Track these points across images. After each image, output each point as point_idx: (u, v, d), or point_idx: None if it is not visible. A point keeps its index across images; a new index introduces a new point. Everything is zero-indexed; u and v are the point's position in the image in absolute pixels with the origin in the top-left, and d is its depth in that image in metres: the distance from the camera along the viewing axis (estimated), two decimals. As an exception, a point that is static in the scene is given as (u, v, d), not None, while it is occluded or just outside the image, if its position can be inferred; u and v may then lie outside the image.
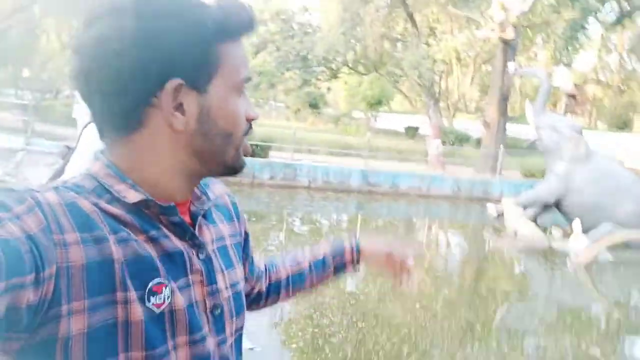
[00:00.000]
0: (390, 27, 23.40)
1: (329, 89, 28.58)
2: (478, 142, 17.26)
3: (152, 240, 0.64)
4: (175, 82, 0.61)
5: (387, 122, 24.78)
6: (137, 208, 0.64)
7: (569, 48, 22.74)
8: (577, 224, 7.68)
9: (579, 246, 7.39)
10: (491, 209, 9.46)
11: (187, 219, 0.70)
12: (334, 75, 26.09)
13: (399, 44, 24.26)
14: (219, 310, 0.70)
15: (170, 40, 0.60)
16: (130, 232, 0.62)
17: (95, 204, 0.61)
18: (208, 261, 0.70)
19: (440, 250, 8.18)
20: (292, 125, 17.21)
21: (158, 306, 0.62)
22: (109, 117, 0.64)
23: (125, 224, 0.62)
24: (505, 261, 7.57)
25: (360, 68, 25.09)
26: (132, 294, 0.60)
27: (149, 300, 0.61)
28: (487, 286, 6.38)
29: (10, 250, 0.50)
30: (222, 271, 0.73)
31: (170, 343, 0.63)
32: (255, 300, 0.96)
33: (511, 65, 11.80)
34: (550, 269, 7.30)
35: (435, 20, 23.85)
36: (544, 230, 8.50)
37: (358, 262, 1.00)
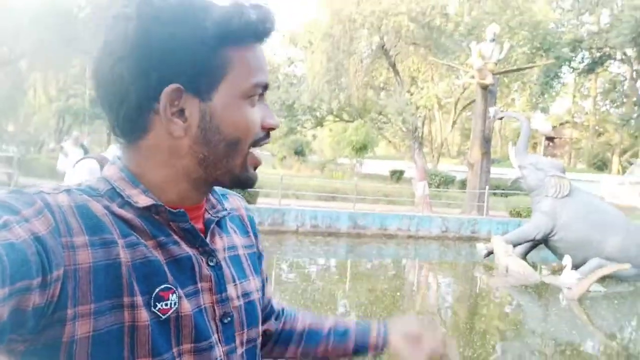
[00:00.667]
0: (373, 76, 24.24)
1: (314, 136, 29.07)
2: (463, 184, 17.52)
3: (162, 246, 0.63)
4: (172, 87, 0.60)
5: (372, 167, 25.13)
6: (147, 213, 0.63)
7: (545, 94, 23.74)
8: (567, 259, 7.74)
9: (570, 281, 7.39)
10: (481, 247, 9.49)
11: (199, 225, 0.69)
12: (319, 123, 26.63)
13: (382, 93, 25.04)
14: (228, 319, 0.69)
15: (169, 45, 0.59)
16: (139, 237, 0.61)
17: (107, 207, 0.61)
18: (218, 269, 0.69)
19: (434, 289, 8.09)
20: (278, 172, 17.32)
21: (164, 312, 0.61)
22: (117, 121, 0.64)
23: (135, 228, 0.62)
24: (499, 298, 7.50)
25: (345, 115, 25.69)
26: (139, 299, 0.59)
27: (155, 306, 0.60)
28: (484, 323, 6.29)
29: (16, 254, 0.49)
30: (234, 280, 0.72)
31: (175, 350, 0.62)
32: (262, 341, 0.87)
33: (492, 110, 12.24)
34: (544, 304, 7.25)
35: (416, 69, 24.80)
36: (534, 267, 8.51)
37: (382, 349, 0.87)
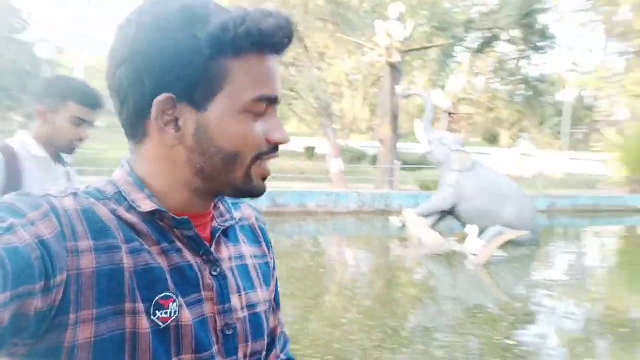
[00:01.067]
0: (282, 51, 23.88)
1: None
2: (374, 159, 18.20)
3: (165, 253, 0.63)
4: (164, 97, 0.59)
5: (285, 144, 24.94)
6: (151, 218, 0.63)
7: (442, 72, 25.25)
8: (472, 228, 8.42)
9: (476, 248, 8.08)
10: (394, 220, 10.01)
11: (205, 233, 0.68)
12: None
13: (291, 69, 24.90)
14: (230, 331, 0.67)
15: (165, 53, 0.58)
16: (143, 243, 0.61)
17: (114, 211, 0.61)
18: (222, 278, 0.67)
19: (353, 263, 8.40)
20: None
21: (164, 320, 0.60)
22: (123, 124, 0.64)
23: (140, 234, 0.61)
24: (413, 268, 7.99)
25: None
26: (141, 306, 0.59)
27: (154, 314, 0.60)
28: (401, 292, 6.69)
29: (20, 259, 0.49)
30: (239, 291, 0.70)
31: (175, 359, 0.61)
32: None
33: (399, 88, 12.74)
34: (453, 271, 7.87)
35: (325, 45, 24.94)
36: (444, 236, 9.19)
37: None
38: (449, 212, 9.26)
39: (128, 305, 0.58)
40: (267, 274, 0.78)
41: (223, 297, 0.67)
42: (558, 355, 4.63)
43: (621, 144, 18.98)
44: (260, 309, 0.73)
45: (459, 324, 5.18)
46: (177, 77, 0.59)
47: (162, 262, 0.62)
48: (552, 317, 5.67)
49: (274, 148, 0.66)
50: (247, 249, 0.75)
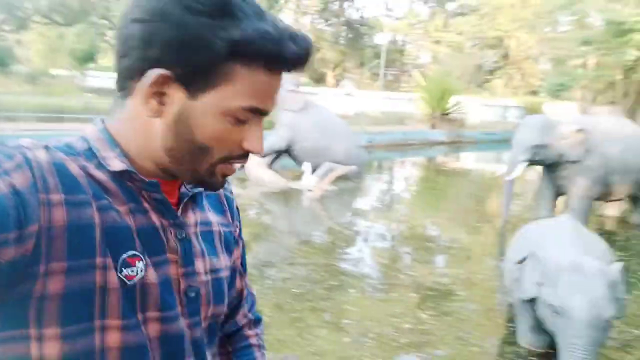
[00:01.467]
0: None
1: (19, 42, 23.64)
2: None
3: (132, 213, 0.63)
4: (162, 72, 0.59)
5: (97, 80, 22.18)
6: (120, 178, 0.64)
7: (271, 10, 24.98)
8: (306, 166, 8.93)
9: (310, 184, 8.64)
10: (232, 161, 9.99)
11: (172, 199, 0.70)
12: (23, 25, 21.68)
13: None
14: (193, 293, 0.69)
15: (185, 32, 0.58)
16: (112, 201, 0.62)
17: (84, 168, 0.61)
18: (187, 242, 0.69)
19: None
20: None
21: (130, 278, 0.61)
22: (117, 73, 0.64)
23: (109, 192, 0.62)
24: (255, 207, 8.20)
25: (58, 18, 21.57)
26: (110, 261, 0.60)
27: (121, 271, 0.61)
28: (244, 233, 6.86)
29: None
30: (203, 255, 0.72)
31: (140, 316, 0.63)
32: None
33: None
34: (290, 206, 8.34)
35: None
36: (281, 175, 9.56)
37: None
38: (285, 151, 9.61)
39: (99, 260, 0.58)
40: (230, 242, 0.79)
41: (187, 260, 0.68)
42: (376, 268, 5.39)
43: (424, 85, 21.73)
44: (223, 274, 0.75)
45: (298, 254, 5.60)
46: (184, 59, 0.59)
47: (130, 222, 0.62)
48: (372, 238, 6.52)
49: (244, 154, 0.66)
50: (213, 216, 0.77)
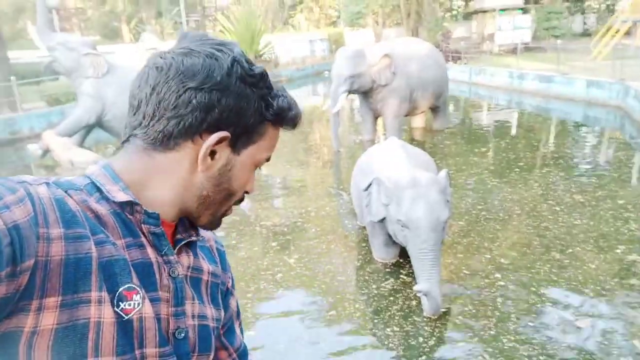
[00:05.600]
0: None
1: None
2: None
3: (129, 247, 0.64)
4: (226, 135, 0.67)
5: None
6: (121, 211, 0.65)
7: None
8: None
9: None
10: (34, 148, 8.53)
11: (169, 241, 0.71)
12: None
13: None
14: (182, 335, 0.69)
15: (241, 101, 0.67)
16: (109, 235, 0.62)
17: (84, 202, 0.62)
18: (179, 282, 0.70)
19: None
20: None
21: (127, 312, 0.61)
22: (150, 127, 0.66)
23: (106, 226, 0.63)
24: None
25: None
26: (106, 295, 0.59)
27: (117, 305, 0.60)
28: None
29: None
30: (193, 299, 0.72)
31: (138, 352, 0.62)
32: None
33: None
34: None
35: None
36: (97, 151, 8.49)
37: None
38: (96, 124, 8.49)
39: (94, 294, 0.58)
40: (216, 295, 0.80)
41: (178, 300, 0.69)
42: (227, 228, 5.31)
43: (232, 29, 21.14)
44: (209, 323, 0.75)
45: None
46: (239, 123, 0.68)
47: (126, 255, 0.63)
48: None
49: (243, 197, 0.76)
50: (205, 264, 0.78)
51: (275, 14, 30.77)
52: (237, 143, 0.69)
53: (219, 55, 0.66)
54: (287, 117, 0.73)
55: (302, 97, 17.78)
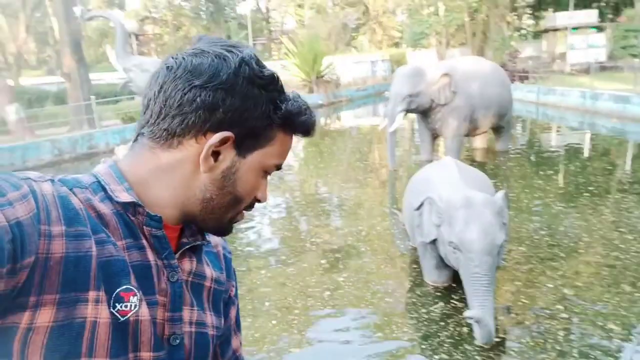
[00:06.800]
0: None
1: None
2: (60, 98, 15.70)
3: (129, 248, 0.64)
4: (229, 135, 0.65)
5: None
6: (124, 212, 0.65)
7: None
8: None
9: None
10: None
11: (172, 244, 0.69)
12: None
13: None
14: (177, 341, 0.67)
15: (247, 102, 0.65)
16: (110, 235, 0.62)
17: (88, 200, 0.62)
18: (178, 286, 0.68)
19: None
20: None
21: (123, 314, 0.60)
22: (157, 124, 0.65)
23: (107, 226, 0.62)
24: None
25: None
26: (103, 295, 0.59)
27: (114, 307, 0.60)
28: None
29: None
30: (192, 305, 0.71)
31: (131, 355, 0.61)
32: None
33: (79, 10, 10.94)
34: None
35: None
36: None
37: None
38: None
39: (92, 294, 0.58)
40: (218, 302, 0.78)
41: (175, 305, 0.67)
42: (278, 242, 5.35)
43: (295, 51, 21.73)
44: (209, 331, 0.73)
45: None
46: (244, 125, 0.66)
47: (125, 256, 0.63)
48: (268, 211, 6.43)
49: (253, 203, 0.74)
50: (209, 271, 0.76)
51: (338, 36, 31.28)
52: (242, 145, 0.67)
53: (227, 55, 0.65)
54: (296, 122, 0.70)
55: (362, 117, 17.81)
